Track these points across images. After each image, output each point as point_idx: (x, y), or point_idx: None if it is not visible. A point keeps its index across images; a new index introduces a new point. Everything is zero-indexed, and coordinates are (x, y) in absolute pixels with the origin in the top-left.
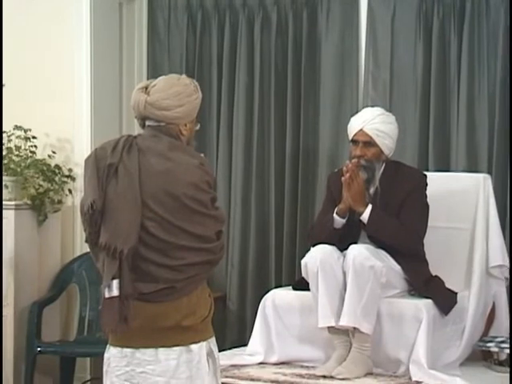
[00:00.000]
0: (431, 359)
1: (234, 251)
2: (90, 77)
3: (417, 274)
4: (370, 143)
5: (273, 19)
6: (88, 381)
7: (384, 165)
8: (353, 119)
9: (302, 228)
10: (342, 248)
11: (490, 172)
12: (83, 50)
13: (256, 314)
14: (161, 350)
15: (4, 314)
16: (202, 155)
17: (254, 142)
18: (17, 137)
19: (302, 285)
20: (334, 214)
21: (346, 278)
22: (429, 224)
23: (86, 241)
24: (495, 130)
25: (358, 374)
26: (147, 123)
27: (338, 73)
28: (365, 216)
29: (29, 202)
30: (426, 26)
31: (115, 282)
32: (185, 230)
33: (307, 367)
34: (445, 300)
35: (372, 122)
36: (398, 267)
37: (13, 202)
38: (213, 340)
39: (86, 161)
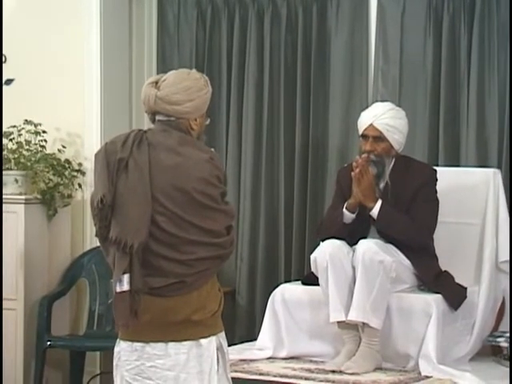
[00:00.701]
0: (441, 354)
1: (244, 246)
2: (100, 71)
3: (426, 269)
4: (380, 138)
5: (282, 14)
6: (98, 375)
7: (394, 160)
8: (363, 114)
9: (311, 223)
10: (352, 243)
11: (499, 167)
12: (93, 45)
13: (265, 308)
14: (171, 344)
15: (14, 308)
16: (212, 150)
17: (264, 137)
18: (27, 131)
19: (311, 279)
20: (344, 209)
21: (355, 272)
22: (438, 219)
23: (96, 235)
24: (505, 124)
25: (368, 369)
26: (157, 118)
27: (347, 68)
28: (374, 211)
29: (39, 196)
30: (435, 22)
31: (126, 277)
32: (195, 225)
33: (316, 362)
34: (454, 295)
35: (382, 116)
36: (407, 262)
37: (23, 197)
38: (222, 334)
39: (96, 155)
